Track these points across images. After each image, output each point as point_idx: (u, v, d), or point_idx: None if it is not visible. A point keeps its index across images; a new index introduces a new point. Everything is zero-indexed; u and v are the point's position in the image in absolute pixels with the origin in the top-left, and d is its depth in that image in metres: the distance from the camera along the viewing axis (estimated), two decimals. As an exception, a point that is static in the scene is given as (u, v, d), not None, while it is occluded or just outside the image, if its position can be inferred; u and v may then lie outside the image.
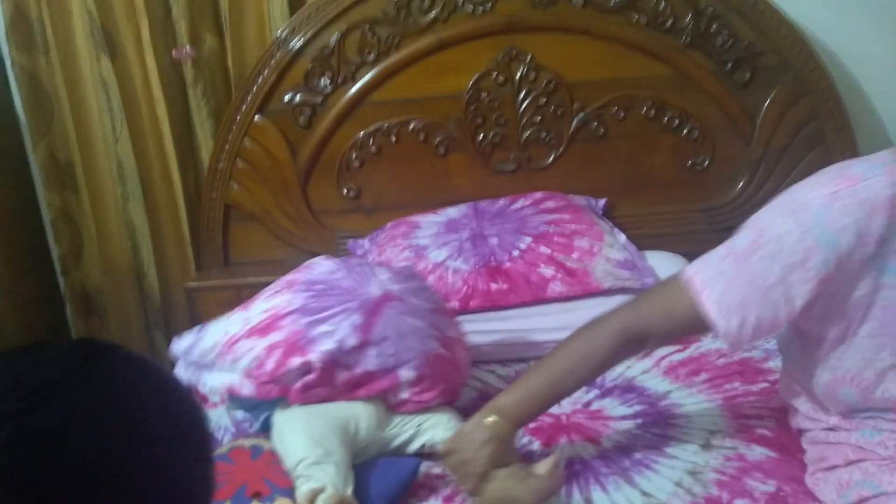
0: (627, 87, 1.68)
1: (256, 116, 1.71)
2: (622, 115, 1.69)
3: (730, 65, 1.65)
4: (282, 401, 1.15)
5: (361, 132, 1.72)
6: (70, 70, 1.70)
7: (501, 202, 1.66)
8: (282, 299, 1.20)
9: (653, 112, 1.68)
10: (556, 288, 1.46)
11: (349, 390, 1.13)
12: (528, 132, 1.71)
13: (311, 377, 1.11)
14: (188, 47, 1.69)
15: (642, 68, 1.67)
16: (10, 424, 0.44)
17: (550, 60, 1.67)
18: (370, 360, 1.13)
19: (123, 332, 1.87)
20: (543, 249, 1.51)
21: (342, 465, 1.01)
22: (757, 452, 1.08)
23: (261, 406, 1.18)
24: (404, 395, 1.15)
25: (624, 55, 1.66)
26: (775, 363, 1.28)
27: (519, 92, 1.69)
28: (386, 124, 1.71)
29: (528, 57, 1.67)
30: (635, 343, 0.98)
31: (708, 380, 1.29)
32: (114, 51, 1.68)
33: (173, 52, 1.71)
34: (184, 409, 0.52)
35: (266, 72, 1.68)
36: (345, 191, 1.76)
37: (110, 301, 1.86)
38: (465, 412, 1.17)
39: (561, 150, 1.72)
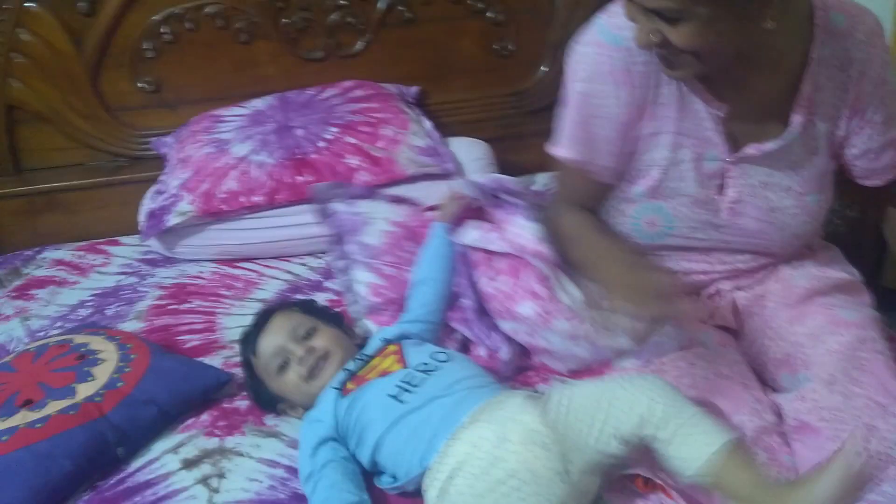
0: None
1: (29, 3, 1.53)
2: (429, -2, 1.66)
3: (530, -55, 1.65)
4: None
5: (153, 17, 1.59)
6: None
7: (309, 92, 1.62)
8: None
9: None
10: (362, 177, 1.46)
11: None
12: (335, 16, 1.65)
13: None
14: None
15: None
16: None
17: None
18: None
19: None
20: (349, 139, 1.50)
21: None
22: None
23: None
24: None
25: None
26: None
27: (319, -28, 1.61)
28: (179, 9, 1.59)
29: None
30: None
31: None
32: None
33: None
34: None
35: (33, -50, 1.49)
36: (141, 84, 1.64)
37: None
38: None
39: (369, 36, 1.68)
